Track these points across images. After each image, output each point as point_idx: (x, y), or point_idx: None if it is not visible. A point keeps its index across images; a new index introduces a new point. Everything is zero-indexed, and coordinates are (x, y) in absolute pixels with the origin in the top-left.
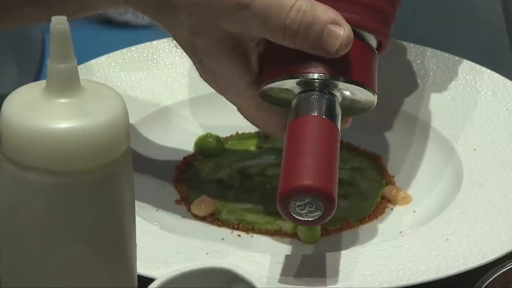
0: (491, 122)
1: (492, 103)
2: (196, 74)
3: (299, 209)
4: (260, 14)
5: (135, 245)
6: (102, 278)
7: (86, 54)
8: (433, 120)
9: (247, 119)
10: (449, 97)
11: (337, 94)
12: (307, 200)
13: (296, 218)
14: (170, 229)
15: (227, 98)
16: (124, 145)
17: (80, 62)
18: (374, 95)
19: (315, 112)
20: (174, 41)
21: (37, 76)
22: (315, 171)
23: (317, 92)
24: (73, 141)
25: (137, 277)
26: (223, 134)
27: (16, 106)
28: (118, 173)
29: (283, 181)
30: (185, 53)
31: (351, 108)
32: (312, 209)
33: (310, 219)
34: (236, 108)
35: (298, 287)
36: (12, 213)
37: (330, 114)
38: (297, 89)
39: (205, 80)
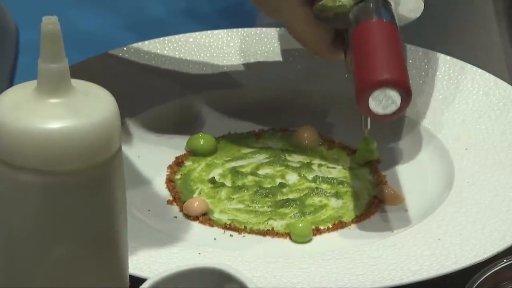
0: (483, 121)
1: (484, 102)
2: (188, 74)
3: (377, 103)
4: None
5: (127, 245)
6: (94, 278)
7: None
8: (424, 119)
9: (296, 37)
10: (440, 97)
11: (391, 1)
12: (385, 94)
13: (375, 113)
14: (162, 229)
15: (278, 17)
16: (115, 145)
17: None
18: (422, 1)
19: (375, 17)
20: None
21: (12, 76)
22: (389, 66)
23: (372, 1)
24: (64, 141)
25: (128, 277)
26: (215, 134)
27: (7, 106)
28: (110, 173)
29: (361, 78)
30: None
31: (403, 17)
32: (389, 102)
33: (388, 113)
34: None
35: (289, 287)
36: (3, 213)
37: (389, 17)
38: (351, 2)
39: (256, 2)
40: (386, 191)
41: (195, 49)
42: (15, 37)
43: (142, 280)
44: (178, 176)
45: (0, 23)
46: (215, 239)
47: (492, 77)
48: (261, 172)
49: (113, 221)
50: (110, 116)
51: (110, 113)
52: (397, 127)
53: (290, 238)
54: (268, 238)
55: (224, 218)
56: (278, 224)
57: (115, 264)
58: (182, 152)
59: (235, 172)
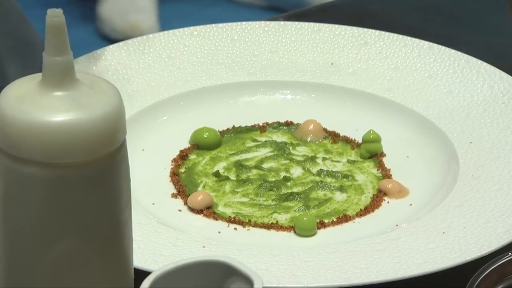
0: (487, 115)
1: (489, 96)
2: (192, 68)
3: None
4: None
5: (131, 238)
6: (98, 271)
7: None
8: (429, 113)
9: None
10: (445, 90)
11: None
12: None
13: None
14: (167, 222)
15: None
16: (120, 138)
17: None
18: None
19: None
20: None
21: None
22: None
23: None
24: (69, 134)
25: (133, 270)
26: (219, 127)
27: (12, 99)
28: (115, 166)
29: None
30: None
31: None
32: None
33: None
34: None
35: (294, 281)
36: (7, 206)
37: None
38: None
39: None
40: (390, 184)
41: (200, 42)
42: (41, 51)
43: (146, 273)
44: (182, 170)
45: (27, 37)
46: (219, 232)
47: (497, 70)
48: (266, 165)
49: (118, 214)
50: (115, 109)
51: (115, 106)
52: (401, 121)
53: (295, 232)
54: (272, 231)
55: (229, 211)
56: (282, 218)
57: (120, 257)
58: (186, 145)
59: (239, 165)
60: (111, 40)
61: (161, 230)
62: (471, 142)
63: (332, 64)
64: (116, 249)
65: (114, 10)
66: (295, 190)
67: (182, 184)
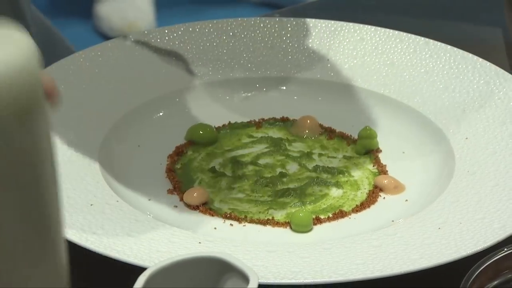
0: (483, 111)
1: (484, 92)
2: (189, 63)
3: None
4: None
5: (57, 197)
6: (17, 228)
7: None
8: (425, 109)
9: None
10: (441, 86)
11: None
12: None
13: None
14: (163, 218)
15: None
16: (34, 93)
17: None
18: None
19: None
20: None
21: None
22: None
23: None
24: None
25: (63, 231)
26: (215, 123)
27: None
28: (32, 123)
29: None
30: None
31: None
32: None
33: None
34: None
35: (290, 277)
36: None
37: None
38: None
39: None
40: (386, 180)
41: (196, 38)
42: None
43: (142, 269)
44: (178, 166)
45: (59, 51)
46: (215, 228)
47: (493, 66)
48: (261, 161)
49: (39, 173)
50: (27, 62)
51: (27, 59)
52: (397, 117)
53: (291, 228)
54: (268, 227)
55: (224, 207)
56: (278, 214)
57: (43, 217)
58: (182, 141)
59: (235, 161)
60: (109, 39)
61: (157, 226)
62: (466, 138)
63: (328, 60)
64: (37, 208)
65: (112, 8)
66: (291, 186)
67: (178, 180)
